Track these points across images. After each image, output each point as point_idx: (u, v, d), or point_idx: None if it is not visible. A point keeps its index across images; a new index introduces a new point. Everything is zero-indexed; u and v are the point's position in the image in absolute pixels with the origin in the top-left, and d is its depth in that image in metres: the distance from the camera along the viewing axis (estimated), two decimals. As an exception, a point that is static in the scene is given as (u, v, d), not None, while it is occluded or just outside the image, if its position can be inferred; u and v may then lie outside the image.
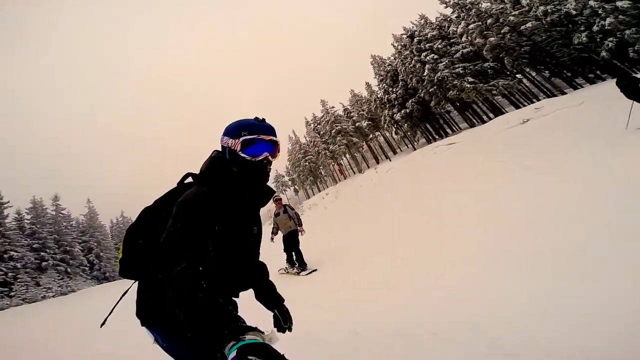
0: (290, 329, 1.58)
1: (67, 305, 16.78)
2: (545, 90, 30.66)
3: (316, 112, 54.71)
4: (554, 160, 6.66)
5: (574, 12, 25.47)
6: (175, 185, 1.37)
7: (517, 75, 31.68)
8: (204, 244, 1.07)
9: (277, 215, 7.13)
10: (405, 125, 40.97)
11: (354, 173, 50.20)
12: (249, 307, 1.66)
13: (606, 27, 23.34)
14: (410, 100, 38.88)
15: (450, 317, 2.51)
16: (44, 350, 6.90)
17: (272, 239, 7.17)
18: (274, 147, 1.29)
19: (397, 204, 10.38)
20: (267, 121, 1.32)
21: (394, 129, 43.37)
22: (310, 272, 6.31)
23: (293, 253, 6.85)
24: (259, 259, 1.59)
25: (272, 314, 1.59)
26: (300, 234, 6.97)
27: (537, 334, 1.95)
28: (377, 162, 47.99)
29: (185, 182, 1.35)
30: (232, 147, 1.24)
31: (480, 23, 28.95)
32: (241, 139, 1.22)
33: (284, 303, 1.63)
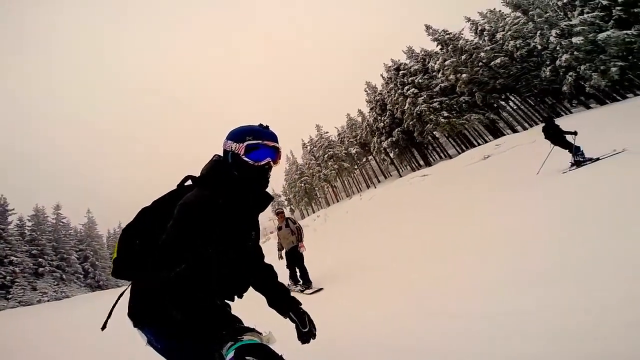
0: (314, 335, 1.47)
1: (62, 309, 17.58)
2: (526, 118, 31.72)
3: (313, 134, 56.87)
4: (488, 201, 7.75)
5: (539, 47, 26.82)
6: (175, 187, 1.37)
7: (502, 103, 32.87)
8: (204, 246, 1.09)
9: (279, 229, 6.66)
10: (392, 153, 42.40)
11: (343, 198, 51.51)
12: (249, 308, 1.67)
13: (563, 63, 24.56)
14: (396, 129, 40.30)
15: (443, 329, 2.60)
16: (43, 348, 7.33)
17: (280, 256, 6.66)
18: (275, 154, 1.33)
19: (378, 229, 11.25)
20: (270, 128, 1.36)
21: (382, 156, 44.74)
22: (316, 291, 5.77)
23: (297, 269, 6.37)
24: (264, 262, 1.58)
25: (294, 323, 1.47)
26: (300, 249, 6.35)
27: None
28: (368, 187, 49.28)
29: (185, 184, 1.35)
30: (236, 151, 1.27)
31: (455, 59, 30.47)
32: (245, 143, 1.26)
33: (301, 306, 1.52)
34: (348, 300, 4.44)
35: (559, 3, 25.62)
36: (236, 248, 1.29)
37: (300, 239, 6.44)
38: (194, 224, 1.09)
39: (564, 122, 10.67)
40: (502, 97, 30.60)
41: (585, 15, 23.41)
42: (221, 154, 1.35)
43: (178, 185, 1.35)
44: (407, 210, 12.65)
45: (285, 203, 63.25)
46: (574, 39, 23.16)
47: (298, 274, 6.37)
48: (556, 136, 8.38)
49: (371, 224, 13.41)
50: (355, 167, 51.18)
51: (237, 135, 1.30)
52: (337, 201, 51.21)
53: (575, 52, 23.36)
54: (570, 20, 24.11)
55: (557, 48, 24.61)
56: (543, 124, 8.75)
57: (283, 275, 6.50)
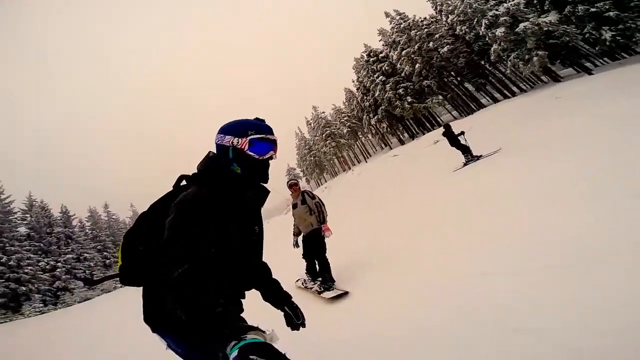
0: (304, 325, 1.57)
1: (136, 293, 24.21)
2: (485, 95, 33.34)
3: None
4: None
5: (481, 33, 27.78)
6: (171, 188, 1.36)
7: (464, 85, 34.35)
8: (205, 244, 1.09)
9: (294, 207, 5.06)
10: (382, 128, 45.34)
11: (346, 170, 56.12)
12: (250, 307, 1.63)
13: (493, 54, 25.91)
14: (380, 108, 42.91)
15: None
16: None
17: (295, 243, 5.21)
18: (275, 147, 1.35)
19: (368, 203, 12.51)
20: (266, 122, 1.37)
21: (374, 131, 47.82)
22: (338, 296, 4.10)
23: (316, 261, 4.80)
24: (262, 259, 1.56)
25: (283, 312, 1.58)
26: (323, 234, 4.72)
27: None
28: (366, 160, 53.15)
29: (181, 184, 1.35)
30: (239, 146, 1.27)
31: (409, 49, 32.15)
32: (249, 137, 1.26)
33: (292, 300, 1.62)
34: (380, 311, 3.20)
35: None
36: (237, 246, 1.27)
37: (323, 220, 4.76)
38: (193, 221, 1.09)
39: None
40: (457, 80, 32.09)
41: (509, 4, 24.06)
42: (214, 151, 1.34)
43: (174, 186, 1.35)
44: (387, 185, 15.17)
45: (301, 174, 69.10)
46: (497, 31, 24.24)
47: (317, 267, 4.78)
48: (452, 140, 9.87)
49: (363, 199, 14.57)
50: (352, 142, 54.83)
51: (238, 129, 1.29)
52: (345, 170, 55.88)
53: (502, 43, 24.52)
54: (498, 10, 24.77)
55: (487, 39, 25.82)
56: (443, 130, 10.34)
57: (295, 268, 5.63)
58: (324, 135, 53.69)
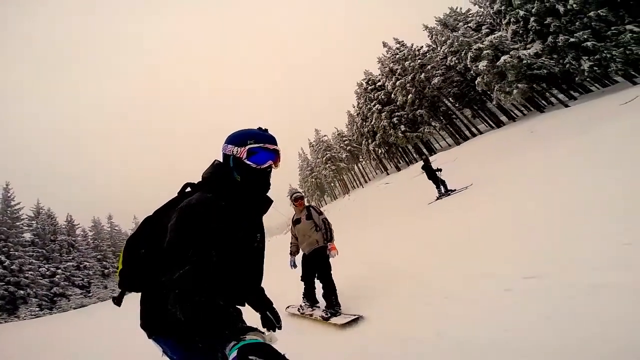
0: (280, 328, 1.67)
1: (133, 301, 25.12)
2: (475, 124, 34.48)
3: (320, 133, 62.16)
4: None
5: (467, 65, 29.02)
6: (175, 195, 1.39)
7: (457, 113, 35.63)
8: (207, 248, 1.10)
9: (295, 223, 4.53)
10: (381, 154, 46.53)
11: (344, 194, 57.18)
12: (249, 308, 1.62)
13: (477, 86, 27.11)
14: (377, 135, 44.27)
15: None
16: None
17: (292, 263, 4.55)
18: (276, 156, 1.37)
19: (366, 224, 13.19)
20: (269, 131, 1.39)
21: (373, 156, 49.00)
22: (350, 322, 3.48)
23: (320, 283, 4.15)
24: (262, 271, 1.54)
25: (261, 315, 1.67)
26: (329, 253, 4.21)
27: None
28: (362, 185, 54.23)
29: (186, 191, 1.38)
30: (238, 155, 1.30)
31: (403, 80, 33.75)
32: (247, 147, 1.30)
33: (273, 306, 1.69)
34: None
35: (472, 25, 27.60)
36: (239, 252, 1.29)
37: (330, 238, 4.33)
38: (195, 224, 1.11)
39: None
40: (453, 107, 33.44)
41: (491, 37, 25.41)
42: (221, 159, 1.38)
43: (178, 193, 1.38)
44: (381, 210, 16.40)
45: (303, 195, 70.11)
46: (480, 64, 25.47)
47: (320, 291, 4.19)
48: (430, 174, 10.27)
49: (361, 220, 15.61)
50: (352, 165, 56.13)
51: (238, 139, 1.33)
52: (344, 194, 56.83)
53: (484, 77, 25.72)
54: (482, 43, 26.05)
55: (472, 72, 27.14)
56: (422, 163, 10.87)
57: (290, 291, 5.13)
58: (324, 159, 55.13)
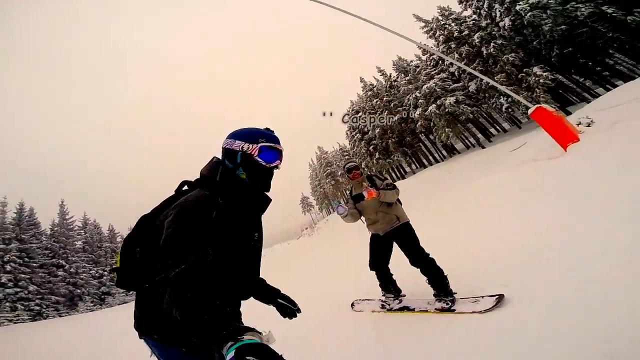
0: (299, 311, 1.60)
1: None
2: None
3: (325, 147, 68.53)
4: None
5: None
6: (173, 193, 1.39)
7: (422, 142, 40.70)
8: (204, 246, 1.10)
9: (357, 198, 3.30)
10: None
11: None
12: (248, 308, 1.64)
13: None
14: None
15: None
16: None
17: (341, 207, 3.27)
18: (281, 157, 1.41)
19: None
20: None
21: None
22: (491, 308, 2.47)
23: (414, 266, 3.08)
24: (260, 269, 1.53)
25: (275, 306, 1.61)
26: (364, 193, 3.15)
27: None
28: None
29: (183, 189, 1.38)
30: (248, 151, 1.32)
31: (373, 114, 39.20)
32: (259, 144, 1.32)
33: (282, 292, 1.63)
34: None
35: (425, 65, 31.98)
36: (237, 250, 1.28)
37: (382, 188, 3.24)
38: (192, 222, 1.11)
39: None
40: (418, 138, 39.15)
41: (431, 83, 29.92)
42: (219, 157, 1.38)
43: (176, 191, 1.38)
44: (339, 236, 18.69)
45: (314, 202, 76.38)
46: (416, 113, 30.92)
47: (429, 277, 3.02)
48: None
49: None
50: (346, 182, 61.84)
51: (249, 136, 1.34)
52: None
53: (418, 123, 31.26)
54: (419, 92, 30.70)
55: (416, 116, 31.96)
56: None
57: (344, 286, 4.80)
58: (325, 174, 61.52)
